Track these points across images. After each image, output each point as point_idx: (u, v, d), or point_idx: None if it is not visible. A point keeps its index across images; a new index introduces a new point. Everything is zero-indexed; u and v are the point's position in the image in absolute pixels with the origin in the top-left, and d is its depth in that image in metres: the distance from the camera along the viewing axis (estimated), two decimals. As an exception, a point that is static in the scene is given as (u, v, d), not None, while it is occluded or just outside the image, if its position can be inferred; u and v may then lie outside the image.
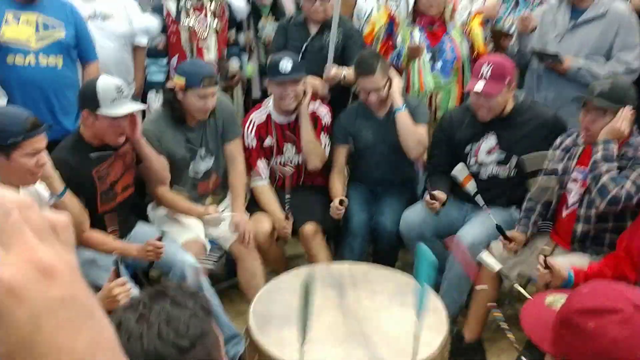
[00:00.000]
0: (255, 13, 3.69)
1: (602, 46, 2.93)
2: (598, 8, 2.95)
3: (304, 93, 2.93)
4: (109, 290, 1.84)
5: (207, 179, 2.91)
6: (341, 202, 2.84)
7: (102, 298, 1.81)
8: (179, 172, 2.79)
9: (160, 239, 2.38)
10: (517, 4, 3.44)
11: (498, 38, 3.40)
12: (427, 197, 2.75)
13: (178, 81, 2.65)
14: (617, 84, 2.37)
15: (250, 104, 3.69)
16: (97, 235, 2.40)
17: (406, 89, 3.15)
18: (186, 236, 2.72)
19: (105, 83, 2.34)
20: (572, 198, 2.53)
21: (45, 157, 2.01)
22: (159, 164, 2.61)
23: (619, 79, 2.49)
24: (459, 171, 2.73)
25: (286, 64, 2.81)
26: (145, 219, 2.87)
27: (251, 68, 3.73)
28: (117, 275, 1.89)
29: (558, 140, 2.62)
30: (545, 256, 2.26)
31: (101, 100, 2.31)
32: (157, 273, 2.87)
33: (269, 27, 3.65)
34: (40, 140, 1.98)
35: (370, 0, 3.55)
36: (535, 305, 1.29)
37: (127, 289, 1.87)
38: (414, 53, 3.08)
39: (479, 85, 2.62)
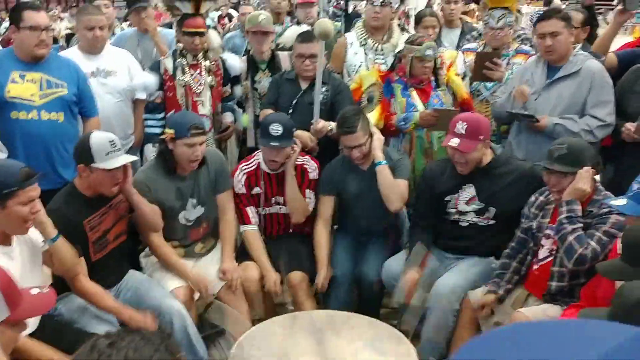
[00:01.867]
0: (253, 67, 3.88)
1: (576, 102, 3.07)
2: (572, 66, 3.10)
3: (293, 150, 3.07)
4: None
5: (198, 226, 3.03)
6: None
7: None
8: (170, 219, 2.91)
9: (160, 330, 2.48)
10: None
11: (483, 61, 3.54)
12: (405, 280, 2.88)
13: (168, 132, 2.82)
14: (573, 147, 2.50)
15: (246, 153, 3.84)
16: (93, 289, 2.49)
17: (410, 149, 3.32)
18: (176, 283, 2.82)
19: (99, 138, 2.50)
20: (542, 253, 2.63)
21: (38, 205, 2.15)
22: (149, 212, 2.74)
23: (575, 142, 2.59)
24: (415, 253, 2.88)
25: (276, 130, 2.95)
26: (138, 264, 2.98)
27: (246, 118, 3.89)
28: None
29: (532, 198, 2.74)
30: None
31: (95, 155, 2.46)
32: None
33: (265, 81, 3.82)
34: (34, 189, 2.12)
35: (359, 55, 3.72)
36: None
37: None
38: (427, 122, 3.23)
39: (454, 142, 2.76)
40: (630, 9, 3.33)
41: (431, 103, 3.33)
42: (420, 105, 3.32)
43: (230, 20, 10.22)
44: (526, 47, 3.65)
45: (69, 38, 6.15)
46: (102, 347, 1.11)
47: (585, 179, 2.46)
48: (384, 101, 3.38)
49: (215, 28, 9.43)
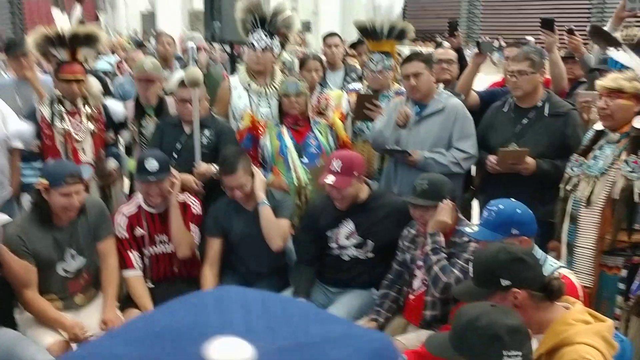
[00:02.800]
0: (140, 112, 3.86)
1: (443, 136, 3.31)
2: (437, 104, 3.35)
3: (173, 184, 3.08)
4: None
5: (78, 277, 2.94)
6: None
7: None
8: (47, 271, 2.81)
9: None
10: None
11: (363, 102, 3.70)
12: None
13: (42, 182, 2.74)
14: (433, 183, 2.71)
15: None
16: None
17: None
18: (52, 338, 2.70)
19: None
20: (416, 283, 2.78)
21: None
22: (19, 269, 2.64)
23: (435, 177, 2.80)
24: None
25: (151, 164, 2.97)
26: (11, 321, 2.83)
27: (133, 163, 3.85)
28: None
29: (405, 231, 2.90)
30: None
31: (-42, 211, 2.35)
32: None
33: (151, 126, 3.82)
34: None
35: (244, 98, 3.79)
36: None
37: None
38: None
39: (330, 179, 2.89)
40: (485, 52, 3.65)
41: (307, 143, 3.45)
42: (290, 145, 3.42)
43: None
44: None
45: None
46: None
47: (445, 211, 2.65)
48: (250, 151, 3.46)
49: (115, 74, 9.30)
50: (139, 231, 3.11)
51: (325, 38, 5.27)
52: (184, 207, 3.16)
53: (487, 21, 31.00)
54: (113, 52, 10.40)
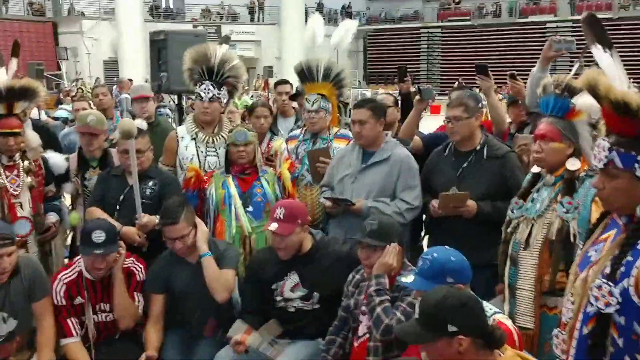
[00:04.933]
0: (84, 164, 3.79)
1: (387, 187, 3.32)
2: (383, 153, 3.37)
3: (119, 254, 3.00)
4: None
5: (11, 340, 2.82)
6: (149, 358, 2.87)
7: None
8: (-24, 337, 2.69)
9: None
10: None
11: (316, 159, 3.67)
12: (232, 341, 2.85)
13: None
14: (383, 224, 2.72)
15: (77, 253, 3.67)
16: None
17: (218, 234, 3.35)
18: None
19: None
20: (361, 330, 2.75)
21: None
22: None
23: (385, 219, 2.83)
24: (235, 330, 2.89)
25: (99, 237, 2.86)
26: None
27: (76, 217, 3.75)
28: None
29: (350, 277, 2.88)
30: None
31: None
32: None
33: (94, 179, 3.73)
34: None
35: (191, 148, 3.74)
36: None
37: None
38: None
39: (273, 226, 2.87)
40: (426, 99, 3.72)
41: (253, 192, 3.43)
42: (235, 194, 3.39)
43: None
44: (346, 132, 3.85)
45: None
46: None
47: (391, 254, 2.66)
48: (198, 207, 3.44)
49: (73, 120, 9.18)
50: (78, 300, 2.99)
51: (276, 85, 5.32)
52: (128, 275, 3.06)
53: (446, 63, 32.05)
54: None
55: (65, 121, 8.43)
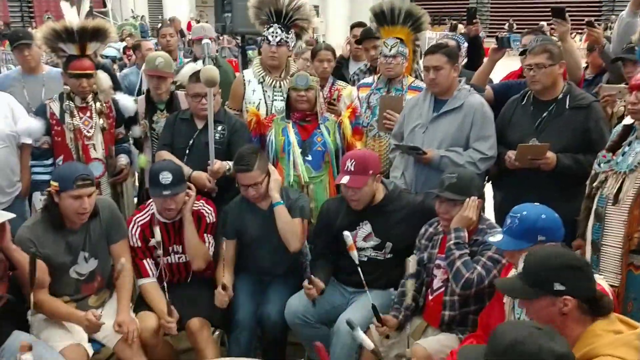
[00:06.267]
0: (151, 107, 3.79)
1: (460, 137, 3.20)
2: (456, 101, 3.24)
3: (188, 196, 3.00)
4: None
5: (91, 280, 2.89)
6: (224, 287, 2.87)
7: None
8: (60, 274, 2.77)
9: (29, 348, 2.31)
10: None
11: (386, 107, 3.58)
12: (305, 282, 2.85)
13: (53, 185, 2.68)
14: (462, 177, 2.64)
15: (146, 195, 3.72)
16: None
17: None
18: (66, 342, 2.66)
19: (-29, 196, 2.34)
20: (436, 283, 2.71)
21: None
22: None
23: (464, 172, 2.74)
24: (347, 237, 2.82)
25: (166, 178, 2.87)
26: (25, 324, 2.80)
27: (144, 160, 3.79)
28: None
29: (422, 230, 2.83)
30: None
31: (-33, 213, 2.30)
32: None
33: (162, 122, 3.73)
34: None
35: (258, 92, 3.70)
36: None
37: None
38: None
39: (345, 179, 2.82)
40: (504, 47, 3.54)
41: (312, 141, 3.37)
42: (294, 142, 3.34)
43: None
44: (421, 84, 3.71)
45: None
46: None
47: (471, 208, 2.59)
48: None
49: (121, 59, 9.20)
50: (152, 241, 3.03)
51: (352, 28, 5.18)
52: (198, 217, 3.08)
53: (496, 6, 30.70)
54: (122, 40, 10.31)
55: (114, 59, 8.46)
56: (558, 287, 1.71)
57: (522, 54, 3.66)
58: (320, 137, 3.38)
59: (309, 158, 3.37)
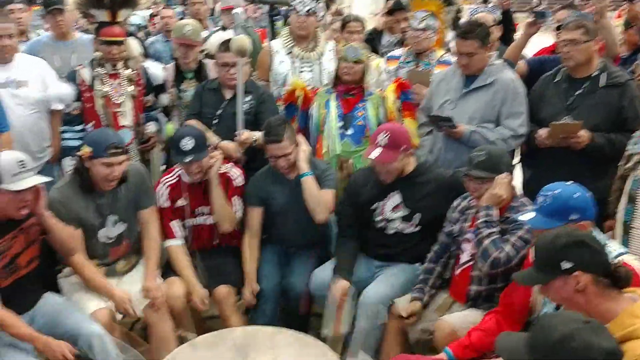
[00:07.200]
0: (179, 75, 3.79)
1: (491, 113, 3.15)
2: (486, 77, 3.17)
3: (214, 158, 3.01)
4: None
5: (119, 244, 2.93)
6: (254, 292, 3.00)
7: None
8: (89, 237, 2.81)
9: (78, 357, 2.40)
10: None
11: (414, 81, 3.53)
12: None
13: (85, 150, 2.71)
14: (491, 154, 2.59)
15: (174, 162, 3.74)
16: (2, 316, 2.37)
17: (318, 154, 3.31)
18: (96, 304, 2.72)
19: (7, 158, 2.37)
20: (464, 257, 2.70)
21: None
22: (65, 235, 2.63)
23: (494, 149, 2.69)
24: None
25: (187, 144, 2.88)
26: (55, 287, 2.86)
27: (172, 128, 3.80)
28: None
29: (455, 203, 2.81)
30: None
31: (2, 176, 2.34)
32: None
33: (190, 90, 3.73)
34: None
35: (286, 63, 3.67)
36: None
37: None
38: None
39: (375, 153, 2.79)
40: (540, 22, 3.45)
41: (354, 115, 3.34)
42: (333, 115, 3.31)
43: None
44: (450, 58, 3.65)
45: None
46: None
47: (501, 185, 2.55)
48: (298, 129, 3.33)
49: (145, 27, 9.18)
50: (180, 202, 3.06)
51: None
52: (226, 180, 3.09)
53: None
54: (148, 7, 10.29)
55: (139, 27, 8.44)
56: (565, 265, 1.69)
57: (558, 29, 3.58)
58: (362, 111, 3.34)
59: (350, 132, 3.33)
